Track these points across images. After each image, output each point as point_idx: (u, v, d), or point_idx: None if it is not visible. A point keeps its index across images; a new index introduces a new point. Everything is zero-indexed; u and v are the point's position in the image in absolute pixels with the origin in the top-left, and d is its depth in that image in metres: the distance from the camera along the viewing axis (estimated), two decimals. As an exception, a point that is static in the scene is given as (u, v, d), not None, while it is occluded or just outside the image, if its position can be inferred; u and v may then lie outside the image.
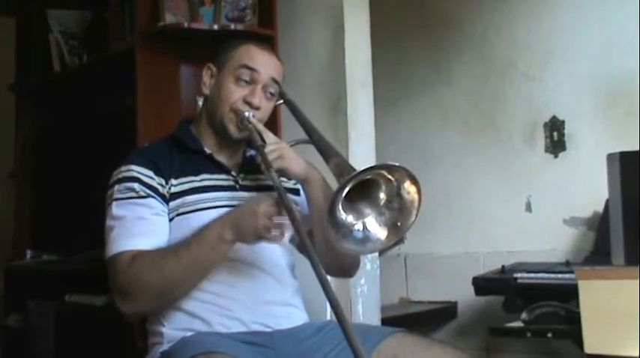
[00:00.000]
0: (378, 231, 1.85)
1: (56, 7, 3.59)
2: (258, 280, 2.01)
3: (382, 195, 1.84)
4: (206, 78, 2.13)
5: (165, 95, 2.98)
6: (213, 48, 2.18)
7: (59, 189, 3.64)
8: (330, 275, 2.30)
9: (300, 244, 1.89)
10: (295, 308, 2.10)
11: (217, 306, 1.95)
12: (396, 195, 1.82)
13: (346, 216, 1.81)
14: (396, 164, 1.79)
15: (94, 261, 3.06)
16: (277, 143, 2.03)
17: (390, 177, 1.81)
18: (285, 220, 1.80)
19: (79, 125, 3.52)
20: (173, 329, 1.95)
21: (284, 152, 2.00)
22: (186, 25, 2.89)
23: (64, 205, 3.57)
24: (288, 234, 1.93)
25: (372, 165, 1.83)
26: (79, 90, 3.52)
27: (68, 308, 3.27)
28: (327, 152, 2.00)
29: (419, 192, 1.81)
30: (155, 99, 2.93)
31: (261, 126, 2.04)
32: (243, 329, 1.94)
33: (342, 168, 1.83)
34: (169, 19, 2.90)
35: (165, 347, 1.94)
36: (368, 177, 1.79)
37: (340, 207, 1.78)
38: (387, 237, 1.85)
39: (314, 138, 2.10)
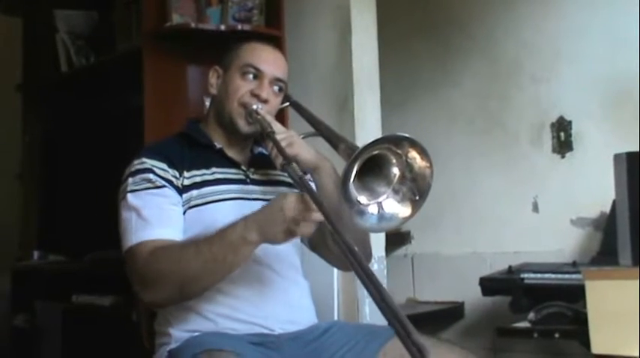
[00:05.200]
0: (398, 208, 1.82)
1: (63, 7, 3.59)
2: (268, 280, 2.01)
3: (395, 171, 1.82)
4: (213, 79, 2.13)
5: (173, 95, 2.99)
6: (221, 48, 2.18)
7: (66, 190, 3.64)
8: (345, 269, 2.32)
9: (332, 235, 1.78)
10: (304, 309, 2.09)
11: (226, 307, 1.94)
12: (407, 166, 1.80)
13: (362, 197, 1.79)
14: (400, 134, 1.76)
15: (100, 262, 3.08)
16: (286, 132, 2.03)
17: (398, 150, 1.78)
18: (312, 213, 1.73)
19: (86, 125, 3.53)
20: (180, 330, 1.95)
21: (294, 139, 1.99)
22: (193, 25, 2.89)
23: (71, 206, 3.57)
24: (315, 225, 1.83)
25: (377, 138, 1.78)
26: (86, 91, 3.53)
27: (75, 308, 3.28)
28: (334, 140, 2.00)
29: (426, 159, 1.79)
30: (162, 99, 2.93)
31: (270, 118, 2.04)
32: (250, 331, 1.93)
33: (351, 150, 1.80)
34: (176, 19, 2.90)
35: (172, 346, 1.94)
36: (375, 152, 1.76)
37: (354, 187, 1.76)
38: (408, 212, 1.83)
39: (321, 129, 2.11)
